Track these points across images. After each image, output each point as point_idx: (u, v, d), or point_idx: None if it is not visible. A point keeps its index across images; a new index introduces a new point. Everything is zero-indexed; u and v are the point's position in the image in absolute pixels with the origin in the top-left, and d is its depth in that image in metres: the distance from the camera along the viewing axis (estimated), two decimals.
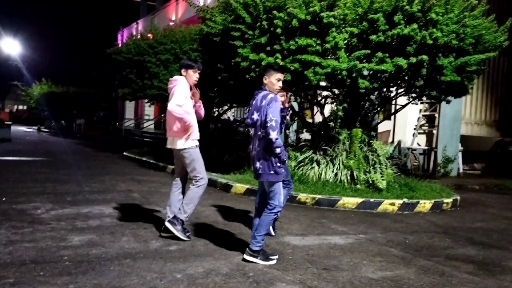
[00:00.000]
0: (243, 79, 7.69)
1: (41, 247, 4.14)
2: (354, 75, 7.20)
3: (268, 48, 7.39)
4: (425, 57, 7.21)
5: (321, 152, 8.61)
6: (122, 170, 10.40)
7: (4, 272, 3.45)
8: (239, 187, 8.11)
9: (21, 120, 46.55)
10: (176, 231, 4.64)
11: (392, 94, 9.37)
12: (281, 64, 7.32)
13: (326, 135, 8.81)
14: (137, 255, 4.11)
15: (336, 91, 9.27)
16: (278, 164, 4.04)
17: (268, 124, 3.93)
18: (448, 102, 9.13)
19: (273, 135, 3.91)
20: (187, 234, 4.74)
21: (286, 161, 5.28)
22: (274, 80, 4.19)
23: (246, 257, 4.11)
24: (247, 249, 4.13)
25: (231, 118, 21.53)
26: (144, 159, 12.38)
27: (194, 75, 4.85)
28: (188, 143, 4.68)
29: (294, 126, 11.26)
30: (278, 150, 3.97)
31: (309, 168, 8.40)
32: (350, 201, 7.29)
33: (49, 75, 35.97)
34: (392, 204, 7.31)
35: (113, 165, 11.77)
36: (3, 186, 7.40)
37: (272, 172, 4.04)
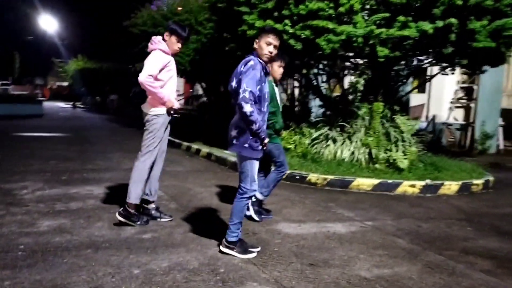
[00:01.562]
0: (251, 49, 7.05)
1: (1, 233, 3.81)
2: (371, 42, 6.42)
3: (276, 13, 6.70)
4: (453, 20, 6.33)
5: (338, 129, 7.94)
6: (137, 147, 10.09)
7: None
8: None
9: (62, 96, 47.64)
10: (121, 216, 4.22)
11: (419, 64, 8.46)
12: (291, 31, 6.66)
13: (344, 110, 8.10)
14: (102, 244, 3.70)
15: (360, 61, 8.49)
16: (255, 139, 3.48)
17: (241, 95, 3.35)
18: (482, 72, 8.16)
19: (247, 108, 3.32)
20: (144, 220, 4.29)
21: (279, 142, 4.74)
22: (263, 43, 3.58)
23: (222, 248, 3.64)
24: (223, 239, 3.65)
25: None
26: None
27: (176, 44, 4.30)
28: (155, 110, 4.20)
29: (317, 101, 10.56)
30: (253, 127, 3.40)
31: (324, 145, 7.76)
32: (365, 183, 6.64)
33: (86, 51, 36.32)
34: (413, 186, 6.60)
35: (129, 141, 11.51)
36: (4, 163, 7.22)
37: (246, 145, 3.48)
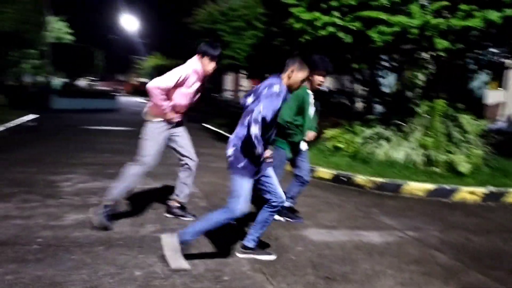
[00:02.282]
0: (298, 44, 6.76)
1: (27, 225, 3.90)
2: (428, 33, 5.84)
3: (324, 5, 6.33)
4: None
5: (394, 127, 7.38)
6: (195, 143, 10.17)
7: None
8: None
9: (142, 92, 49.93)
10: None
11: (490, 57, 7.62)
12: (339, 23, 6.26)
13: (401, 107, 7.51)
14: (117, 241, 3.65)
15: (425, 55, 7.82)
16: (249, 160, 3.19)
17: (254, 115, 2.98)
18: None
19: (254, 130, 2.97)
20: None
21: (285, 149, 4.41)
22: (301, 76, 3.24)
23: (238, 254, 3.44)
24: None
25: (326, 89, 20.31)
26: (219, 130, 12.10)
27: (209, 65, 4.04)
28: (153, 117, 4.07)
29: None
30: (255, 150, 3.06)
31: (377, 145, 7.25)
32: (418, 187, 6.08)
33: (161, 48, 37.79)
34: (472, 192, 5.93)
35: (192, 137, 11.65)
36: (59, 155, 7.56)
37: (240, 166, 3.20)
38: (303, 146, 4.54)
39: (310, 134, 4.48)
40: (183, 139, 4.33)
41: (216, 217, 3.23)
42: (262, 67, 10.84)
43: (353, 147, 7.44)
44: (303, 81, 3.29)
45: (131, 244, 3.61)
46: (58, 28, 35.44)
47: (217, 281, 3.03)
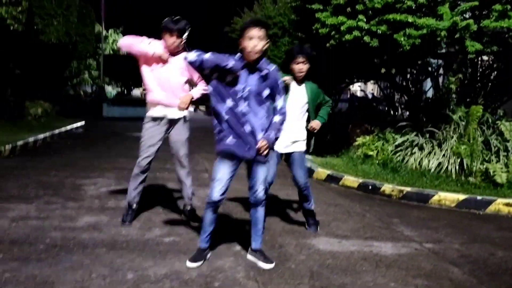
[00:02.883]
0: (325, 49, 6.65)
1: (40, 226, 4.06)
2: (457, 36, 5.55)
3: (349, 9, 6.19)
4: None
5: (427, 135, 7.06)
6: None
7: None
8: (321, 172, 7.16)
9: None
10: None
11: None
12: (365, 27, 6.10)
13: (435, 114, 7.17)
14: (121, 244, 3.72)
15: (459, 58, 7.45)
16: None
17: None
18: None
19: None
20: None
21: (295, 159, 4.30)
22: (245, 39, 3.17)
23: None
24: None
25: (369, 95, 19.83)
26: None
27: (169, 40, 4.01)
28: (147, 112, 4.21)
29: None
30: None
31: (408, 153, 6.96)
32: (448, 197, 5.76)
33: None
34: (508, 204, 5.53)
35: None
36: (95, 160, 7.85)
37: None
38: (296, 146, 4.26)
39: (314, 124, 4.24)
40: (174, 137, 4.29)
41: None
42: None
43: (383, 155, 7.19)
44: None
45: (133, 247, 3.66)
46: (115, 40, 37.18)
47: (208, 286, 2.99)
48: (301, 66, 4.04)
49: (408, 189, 6.02)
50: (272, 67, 3.27)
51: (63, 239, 3.76)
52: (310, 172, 7.42)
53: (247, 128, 3.19)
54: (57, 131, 11.26)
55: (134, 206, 4.32)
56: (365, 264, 3.60)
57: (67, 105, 17.61)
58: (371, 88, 26.91)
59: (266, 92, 3.22)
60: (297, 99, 4.15)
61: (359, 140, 7.82)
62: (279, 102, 3.26)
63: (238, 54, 3.20)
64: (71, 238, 3.80)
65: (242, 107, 3.17)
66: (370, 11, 6.06)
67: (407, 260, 3.74)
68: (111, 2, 27.12)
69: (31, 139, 9.18)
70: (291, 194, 6.00)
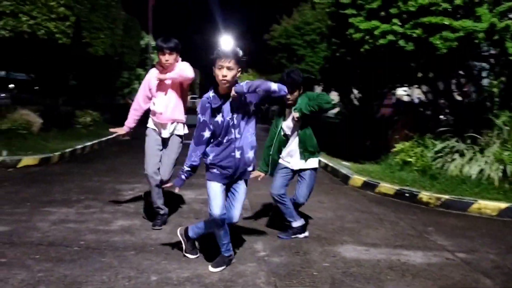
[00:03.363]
0: (359, 54, 6.58)
1: (77, 229, 4.28)
2: (496, 37, 5.34)
3: (383, 13, 6.11)
4: None
5: (468, 141, 6.79)
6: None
7: (13, 250, 3.64)
8: (356, 179, 7.06)
9: None
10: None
11: None
12: (399, 31, 5.99)
13: (477, 119, 6.89)
14: (149, 247, 3.85)
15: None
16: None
17: None
18: None
19: None
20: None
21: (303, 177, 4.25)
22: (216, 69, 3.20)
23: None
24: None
25: (416, 100, 19.23)
26: None
27: (162, 58, 4.23)
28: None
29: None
30: None
31: (449, 160, 6.72)
32: (489, 206, 5.52)
33: (257, 65, 38.89)
34: None
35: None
36: (135, 166, 8.10)
37: None
38: (309, 163, 4.18)
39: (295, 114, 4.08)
40: (166, 150, 4.48)
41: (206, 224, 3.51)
42: (333, 78, 10.69)
43: (422, 161, 6.98)
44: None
45: (160, 251, 3.78)
46: None
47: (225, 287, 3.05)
48: (288, 97, 3.96)
49: (446, 196, 5.82)
50: (243, 84, 3.19)
51: (96, 242, 3.94)
52: (345, 178, 7.35)
53: (237, 154, 3.27)
54: (104, 138, 11.76)
55: (162, 211, 4.46)
56: (391, 273, 3.53)
57: (116, 114, 18.37)
58: (417, 93, 26.09)
59: (252, 108, 3.28)
60: (291, 121, 4.16)
61: (398, 146, 7.63)
62: (273, 87, 3.16)
63: (211, 89, 3.28)
64: (103, 241, 3.98)
65: (233, 135, 3.26)
66: (404, 15, 5.94)
67: (436, 270, 3.63)
68: (159, 14, 28.01)
69: (79, 146, 9.65)
70: (322, 200, 5.98)
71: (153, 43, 32.68)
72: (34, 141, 8.84)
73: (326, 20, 10.68)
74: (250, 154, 3.35)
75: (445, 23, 5.61)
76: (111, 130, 4.66)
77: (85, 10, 10.64)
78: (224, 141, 3.26)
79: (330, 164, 8.46)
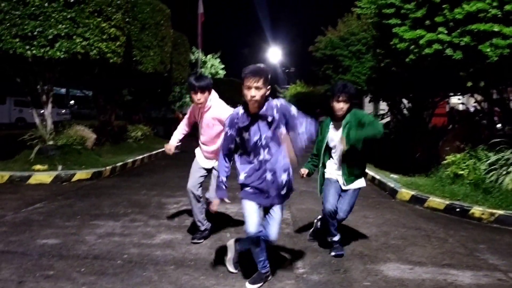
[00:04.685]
0: (404, 64, 6.41)
1: (122, 242, 4.42)
2: None
3: (428, 22, 5.92)
4: None
5: None
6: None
7: (61, 263, 3.80)
8: (404, 193, 6.82)
9: None
10: None
11: None
12: (446, 40, 5.78)
13: None
14: (188, 262, 3.90)
15: None
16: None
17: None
18: None
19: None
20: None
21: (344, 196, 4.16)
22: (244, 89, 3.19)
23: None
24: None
25: (471, 109, 18.39)
26: None
27: (194, 97, 4.22)
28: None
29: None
30: None
31: (504, 172, 6.35)
32: None
33: (304, 76, 38.84)
34: None
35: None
36: (181, 180, 8.24)
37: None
38: (356, 183, 4.13)
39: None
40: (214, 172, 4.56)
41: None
42: (381, 89, 10.44)
43: (475, 174, 6.64)
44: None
45: (200, 266, 3.82)
46: (213, 65, 39.33)
47: None
48: (341, 105, 3.93)
49: (501, 212, 5.50)
50: (278, 103, 3.19)
51: (139, 255, 4.05)
52: (392, 192, 7.12)
53: (268, 176, 3.20)
54: (154, 152, 12.13)
55: (202, 227, 4.51)
56: None
57: (166, 128, 18.95)
58: (473, 102, 24.97)
59: (279, 132, 3.19)
60: (337, 136, 4.08)
61: (449, 158, 7.31)
62: (301, 129, 3.16)
63: (241, 106, 3.27)
64: (146, 255, 4.07)
65: (262, 155, 3.20)
66: (451, 23, 5.72)
67: None
68: (208, 30, 28.70)
69: (129, 160, 10.01)
70: (367, 215, 5.82)
71: (203, 57, 33.58)
72: (88, 156, 9.25)
73: (371, 30, 10.51)
74: (284, 177, 3.26)
75: (495, 29, 5.35)
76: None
77: (135, 30, 11.11)
78: (255, 161, 3.23)
79: (378, 177, 8.24)
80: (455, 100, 23.49)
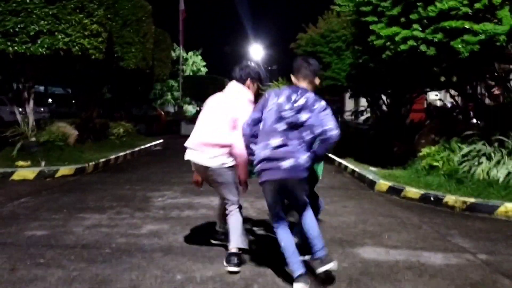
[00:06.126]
0: (381, 60, 6.66)
1: (109, 233, 4.53)
2: None
3: (403, 19, 6.17)
4: None
5: (496, 144, 6.72)
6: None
7: (50, 252, 3.91)
8: (382, 184, 7.08)
9: None
10: None
11: None
12: (421, 36, 6.04)
13: (504, 122, 6.81)
14: (176, 249, 4.05)
15: None
16: None
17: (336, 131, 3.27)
18: None
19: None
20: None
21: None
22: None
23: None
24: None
25: (448, 105, 18.89)
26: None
27: (252, 87, 3.94)
28: None
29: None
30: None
31: (476, 163, 6.66)
32: None
33: (286, 74, 39.20)
34: None
35: None
36: (164, 175, 8.41)
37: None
38: None
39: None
40: None
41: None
42: (360, 85, 10.72)
43: (449, 165, 6.94)
44: None
45: (185, 252, 3.97)
46: (194, 62, 39.30)
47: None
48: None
49: (472, 200, 5.79)
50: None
51: (126, 244, 4.18)
52: (371, 184, 7.38)
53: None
54: (136, 149, 12.18)
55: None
56: (408, 273, 3.60)
57: (148, 125, 18.99)
58: (448, 97, 25.58)
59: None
60: None
61: (424, 150, 7.61)
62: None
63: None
64: (133, 244, 4.21)
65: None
66: (424, 20, 5.98)
67: (455, 271, 3.66)
68: (190, 27, 28.68)
69: (112, 156, 10.06)
70: (347, 205, 6.05)
71: (184, 54, 33.52)
72: (70, 152, 9.28)
73: (351, 27, 10.77)
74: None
75: (466, 26, 5.63)
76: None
77: (117, 26, 11.13)
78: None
79: (357, 169, 8.50)
80: (433, 96, 24.06)
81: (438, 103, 22.53)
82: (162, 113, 24.35)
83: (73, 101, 25.50)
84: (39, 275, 3.39)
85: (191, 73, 36.22)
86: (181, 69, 28.44)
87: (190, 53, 38.05)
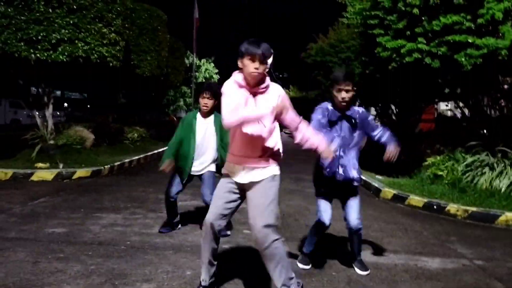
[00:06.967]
0: (387, 71, 6.88)
1: (124, 232, 4.81)
2: None
3: (408, 32, 6.40)
4: None
5: (499, 154, 6.88)
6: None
7: (69, 248, 4.19)
8: (387, 191, 7.27)
9: None
10: None
11: None
12: (425, 49, 6.26)
13: (507, 133, 6.97)
14: (186, 248, 4.31)
15: None
16: None
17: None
18: None
19: None
20: None
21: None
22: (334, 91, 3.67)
23: None
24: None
25: (458, 115, 18.93)
26: None
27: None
28: None
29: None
30: None
31: (479, 173, 6.83)
32: None
33: (297, 82, 39.39)
34: None
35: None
36: None
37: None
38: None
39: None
40: None
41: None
42: (369, 94, 10.92)
43: (453, 175, 7.11)
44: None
45: (195, 251, 4.21)
46: (207, 69, 39.80)
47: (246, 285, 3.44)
48: (206, 101, 4.57)
49: (474, 209, 5.96)
50: (360, 110, 3.71)
51: (140, 242, 4.45)
52: (376, 191, 7.57)
53: (340, 170, 3.71)
54: (150, 153, 12.51)
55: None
56: (405, 275, 3.80)
57: (161, 130, 19.36)
58: (454, 107, 25.54)
59: (358, 134, 3.69)
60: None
61: (429, 160, 7.79)
62: (376, 133, 3.75)
63: (329, 103, 3.69)
64: (146, 242, 4.47)
65: (337, 152, 3.62)
66: (429, 34, 6.20)
67: (450, 275, 3.86)
68: (203, 35, 29.09)
69: (126, 160, 10.39)
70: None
71: (197, 61, 34.00)
72: (87, 155, 9.63)
73: (359, 38, 11.01)
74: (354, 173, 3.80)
75: (469, 40, 5.83)
76: None
77: (134, 35, 11.53)
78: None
79: (363, 177, 8.67)
80: (443, 106, 24.06)
81: (449, 113, 22.57)
82: (175, 118, 24.72)
83: (88, 106, 25.96)
84: (60, 268, 3.66)
85: (204, 80, 36.70)
86: (194, 76, 28.89)
87: (203, 60, 38.56)
